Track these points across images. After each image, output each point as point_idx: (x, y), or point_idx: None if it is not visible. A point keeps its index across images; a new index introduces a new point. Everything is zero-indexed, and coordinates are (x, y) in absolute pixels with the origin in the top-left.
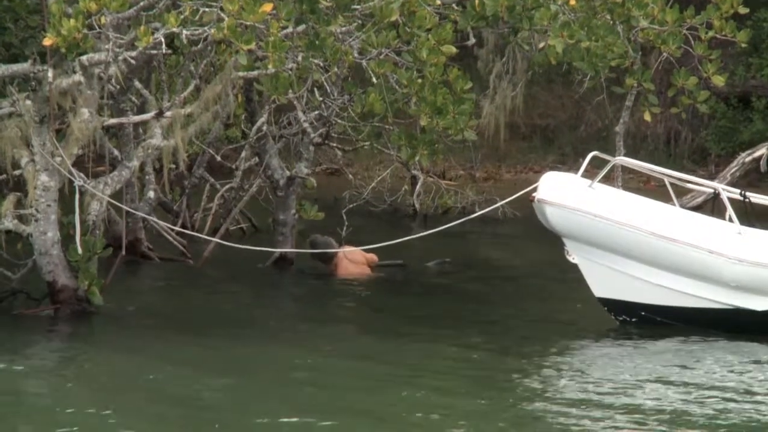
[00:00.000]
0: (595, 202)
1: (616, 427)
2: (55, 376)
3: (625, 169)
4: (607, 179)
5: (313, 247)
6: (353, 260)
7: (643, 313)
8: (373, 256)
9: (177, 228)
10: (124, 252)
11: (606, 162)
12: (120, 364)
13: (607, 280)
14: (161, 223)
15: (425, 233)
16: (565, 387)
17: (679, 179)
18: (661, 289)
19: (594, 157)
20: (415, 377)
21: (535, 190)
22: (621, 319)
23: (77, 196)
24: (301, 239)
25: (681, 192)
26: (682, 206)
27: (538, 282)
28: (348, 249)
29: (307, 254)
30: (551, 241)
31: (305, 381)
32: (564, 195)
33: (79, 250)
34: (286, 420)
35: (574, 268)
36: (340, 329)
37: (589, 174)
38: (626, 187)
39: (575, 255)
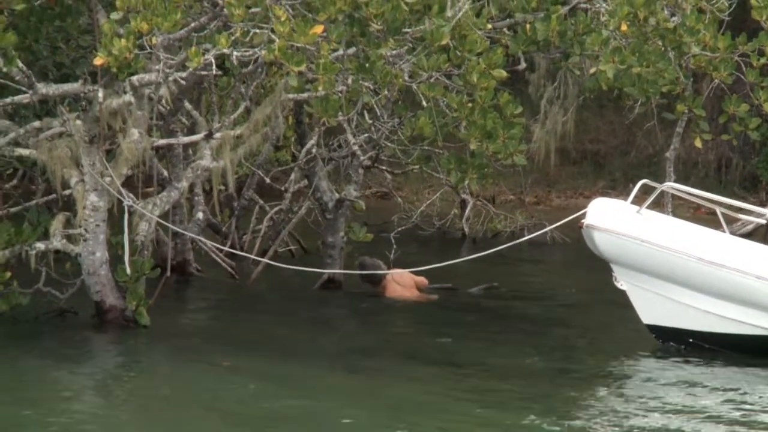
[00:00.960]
0: (643, 227)
1: None
2: (102, 395)
3: (676, 196)
4: (657, 206)
5: (362, 269)
6: (402, 283)
7: (691, 340)
8: (422, 279)
9: (226, 248)
10: (169, 273)
11: (652, 190)
12: (165, 383)
13: (655, 306)
14: (209, 243)
15: (472, 257)
16: (613, 411)
17: (729, 206)
18: (709, 316)
19: (644, 184)
20: (469, 399)
21: (583, 215)
22: (669, 345)
23: (126, 216)
24: (350, 261)
25: (731, 219)
26: (732, 233)
27: (587, 307)
28: (397, 271)
29: (356, 277)
30: (600, 266)
31: (356, 402)
32: (612, 221)
33: (128, 271)
34: None
35: (623, 293)
36: (390, 351)
37: (639, 201)
38: (676, 214)
39: (623, 281)
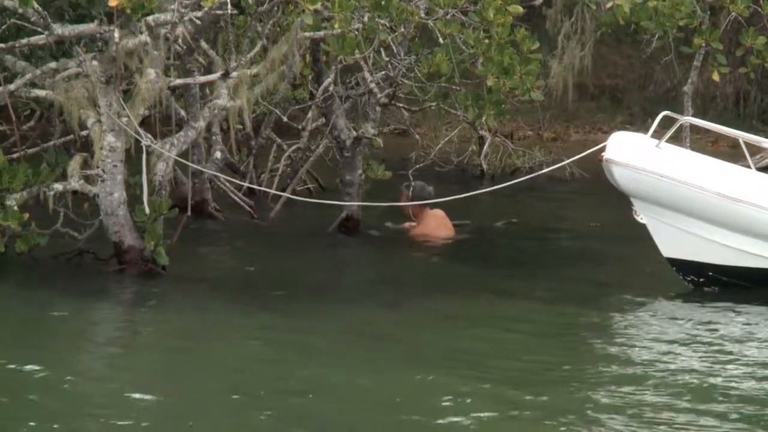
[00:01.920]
0: (663, 162)
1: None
2: (120, 335)
3: (694, 130)
4: (676, 140)
5: (407, 189)
6: (437, 220)
7: (710, 274)
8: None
9: (245, 184)
10: (189, 212)
11: (674, 122)
12: (184, 324)
13: (675, 240)
14: (229, 180)
15: (486, 190)
16: (632, 348)
17: (750, 139)
18: (729, 250)
19: (664, 118)
20: (484, 335)
21: (602, 149)
22: (689, 279)
23: (144, 156)
24: (367, 199)
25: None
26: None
27: (606, 242)
28: (435, 211)
29: (373, 214)
30: (619, 201)
31: (381, 341)
32: (631, 155)
33: (147, 210)
34: (360, 381)
35: (642, 227)
36: (412, 290)
37: (659, 134)
38: (694, 148)
39: (643, 215)
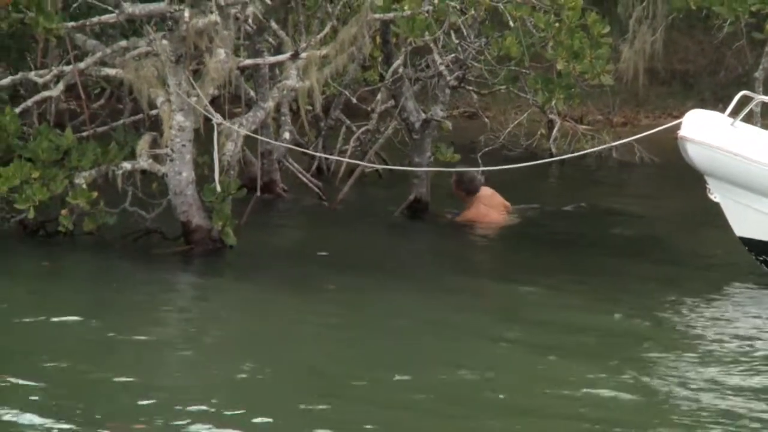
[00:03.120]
0: (737, 140)
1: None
2: (186, 318)
3: (765, 114)
4: (747, 121)
5: (458, 178)
6: (490, 204)
7: None
8: (507, 203)
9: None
10: (259, 193)
11: (749, 102)
12: (250, 307)
13: (748, 219)
14: (307, 152)
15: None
16: (704, 332)
17: None
18: None
19: (744, 96)
20: (548, 323)
21: (678, 126)
22: (762, 259)
23: (215, 134)
24: (436, 182)
25: None
26: None
27: (677, 225)
28: (488, 191)
29: (444, 198)
30: (689, 185)
31: (434, 331)
32: (706, 133)
33: (218, 188)
34: (420, 375)
35: (715, 210)
36: (476, 278)
37: (735, 114)
38: (765, 126)
39: (717, 193)
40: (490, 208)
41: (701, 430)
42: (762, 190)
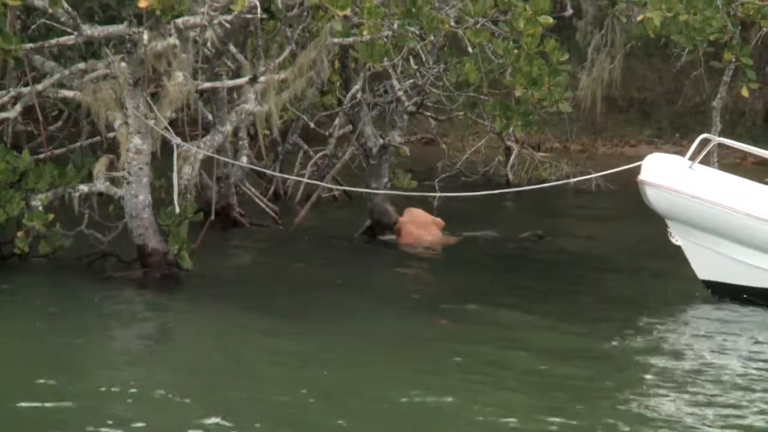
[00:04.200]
0: (696, 183)
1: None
2: (140, 339)
3: (722, 146)
4: (704, 157)
5: (371, 215)
6: (417, 222)
7: (745, 296)
8: (439, 220)
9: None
10: (213, 216)
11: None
12: (204, 330)
13: (710, 262)
14: (272, 174)
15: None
16: (663, 368)
17: None
18: (765, 272)
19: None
20: (505, 352)
21: (637, 169)
22: (724, 301)
23: (175, 156)
24: (395, 208)
25: None
26: None
27: (634, 257)
28: (413, 211)
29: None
30: (645, 216)
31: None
32: (665, 176)
33: (177, 209)
34: (393, 396)
35: (667, 243)
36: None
37: (695, 156)
38: (722, 164)
39: (678, 237)
40: (418, 226)
41: None
42: (722, 233)
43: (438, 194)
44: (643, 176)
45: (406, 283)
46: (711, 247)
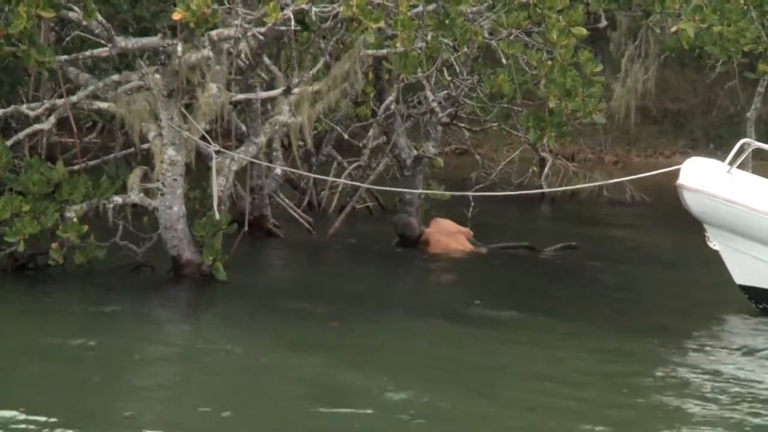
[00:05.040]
0: (734, 188)
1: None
2: (174, 353)
3: (755, 155)
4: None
5: (395, 228)
6: (445, 231)
7: None
8: (467, 230)
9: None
10: (246, 228)
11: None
12: (237, 340)
13: (747, 267)
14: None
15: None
16: (700, 379)
17: None
18: None
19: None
20: (541, 361)
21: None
22: (762, 306)
23: (213, 164)
24: (427, 219)
25: None
26: None
27: (671, 266)
28: (440, 221)
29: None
30: (679, 225)
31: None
32: (703, 181)
33: (217, 216)
34: (419, 400)
35: (703, 250)
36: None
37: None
38: (756, 173)
39: (716, 241)
40: (446, 236)
41: None
42: (760, 238)
43: (473, 193)
44: (681, 180)
45: (440, 292)
46: (748, 252)
